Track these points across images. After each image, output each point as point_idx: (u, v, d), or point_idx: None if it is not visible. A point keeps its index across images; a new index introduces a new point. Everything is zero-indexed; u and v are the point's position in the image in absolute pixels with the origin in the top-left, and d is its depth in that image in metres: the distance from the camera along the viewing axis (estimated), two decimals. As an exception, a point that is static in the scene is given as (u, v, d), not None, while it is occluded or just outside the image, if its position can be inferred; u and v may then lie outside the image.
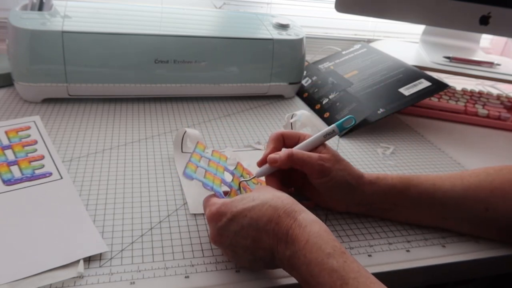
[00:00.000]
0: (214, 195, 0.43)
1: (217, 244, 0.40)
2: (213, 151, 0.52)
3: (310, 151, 0.46)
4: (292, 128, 0.62)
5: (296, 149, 0.46)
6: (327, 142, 0.47)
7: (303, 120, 0.60)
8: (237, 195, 0.46)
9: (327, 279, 0.32)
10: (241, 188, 0.47)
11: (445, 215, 0.48)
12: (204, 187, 0.44)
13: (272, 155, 0.45)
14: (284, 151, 0.45)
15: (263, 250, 0.37)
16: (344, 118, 0.46)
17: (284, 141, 0.48)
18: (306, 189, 0.50)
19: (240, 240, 0.38)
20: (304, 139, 0.47)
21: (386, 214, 0.50)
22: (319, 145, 0.46)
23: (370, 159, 0.64)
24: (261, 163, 0.48)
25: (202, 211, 0.48)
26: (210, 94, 0.77)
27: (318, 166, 0.44)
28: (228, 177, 0.48)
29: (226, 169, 0.49)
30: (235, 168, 0.50)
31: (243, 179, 0.49)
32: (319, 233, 0.35)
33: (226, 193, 0.46)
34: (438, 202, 0.47)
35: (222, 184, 0.46)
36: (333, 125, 0.46)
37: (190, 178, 0.44)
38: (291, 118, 0.61)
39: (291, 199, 0.39)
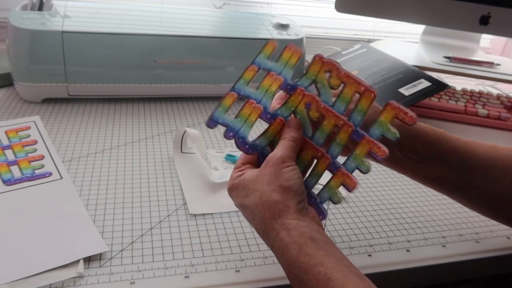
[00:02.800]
0: (243, 159, 0.39)
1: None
2: (285, 47, 0.40)
3: None
4: None
5: None
6: None
7: None
8: (281, 126, 0.38)
9: None
10: (297, 116, 0.38)
11: (472, 180, 0.44)
12: (226, 135, 0.37)
13: None
14: None
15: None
16: None
17: None
18: None
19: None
20: None
21: (410, 166, 0.44)
22: None
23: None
24: None
25: (202, 211, 0.48)
26: (210, 94, 0.77)
27: None
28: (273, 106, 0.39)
29: (283, 85, 0.39)
30: (306, 72, 0.39)
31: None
32: (298, 261, 0.31)
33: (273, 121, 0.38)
34: (467, 165, 0.43)
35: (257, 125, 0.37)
36: None
37: (214, 124, 0.37)
38: None
39: (275, 207, 0.34)
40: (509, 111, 0.84)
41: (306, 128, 0.38)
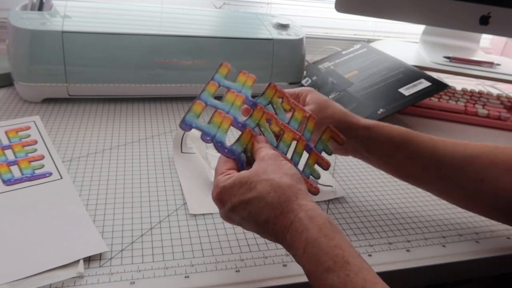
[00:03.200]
0: (224, 165, 0.40)
1: (228, 222, 0.40)
2: (239, 72, 0.46)
3: (296, 98, 0.49)
4: None
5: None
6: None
7: None
8: (250, 136, 0.41)
9: None
10: (261, 128, 0.43)
11: (441, 178, 0.47)
12: (203, 139, 0.39)
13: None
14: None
15: (269, 239, 0.37)
16: None
17: None
18: None
19: (246, 226, 0.38)
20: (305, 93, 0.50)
21: (381, 165, 0.49)
22: (304, 93, 0.49)
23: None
24: None
25: (202, 211, 0.48)
26: (210, 94, 0.77)
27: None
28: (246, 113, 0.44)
29: (246, 100, 0.43)
30: (263, 94, 0.45)
31: (271, 103, 0.45)
32: (317, 241, 0.31)
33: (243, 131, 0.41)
34: (435, 165, 0.46)
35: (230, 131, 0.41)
36: None
37: (189, 127, 0.39)
38: None
39: (289, 190, 0.35)
40: (509, 111, 0.84)
41: (270, 139, 0.43)
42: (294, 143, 0.44)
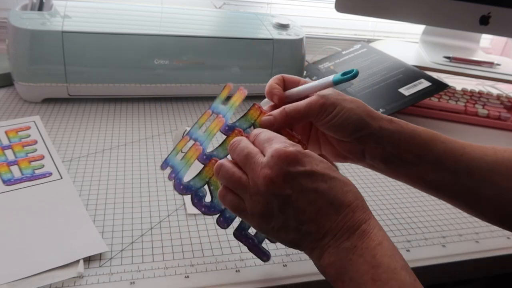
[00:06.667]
0: None
1: (273, 186, 0.32)
2: (239, 88, 0.44)
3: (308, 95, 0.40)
4: None
5: (289, 106, 0.39)
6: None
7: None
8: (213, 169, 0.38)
9: None
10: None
11: (471, 187, 0.41)
12: (169, 177, 0.41)
13: (266, 118, 0.39)
14: (278, 111, 0.39)
15: (317, 226, 0.32)
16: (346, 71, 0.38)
17: (284, 83, 0.43)
18: (312, 141, 0.45)
19: (303, 201, 0.32)
20: (304, 83, 0.42)
21: (405, 170, 0.41)
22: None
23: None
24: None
25: (200, 212, 0.48)
26: (210, 94, 0.77)
27: (318, 107, 0.38)
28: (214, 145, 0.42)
29: (223, 128, 0.41)
30: (245, 115, 0.40)
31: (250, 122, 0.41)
32: (392, 245, 0.33)
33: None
34: (465, 168, 0.40)
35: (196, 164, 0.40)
36: (330, 76, 0.39)
37: (166, 166, 0.43)
38: None
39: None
40: (509, 111, 0.84)
41: None
42: None
